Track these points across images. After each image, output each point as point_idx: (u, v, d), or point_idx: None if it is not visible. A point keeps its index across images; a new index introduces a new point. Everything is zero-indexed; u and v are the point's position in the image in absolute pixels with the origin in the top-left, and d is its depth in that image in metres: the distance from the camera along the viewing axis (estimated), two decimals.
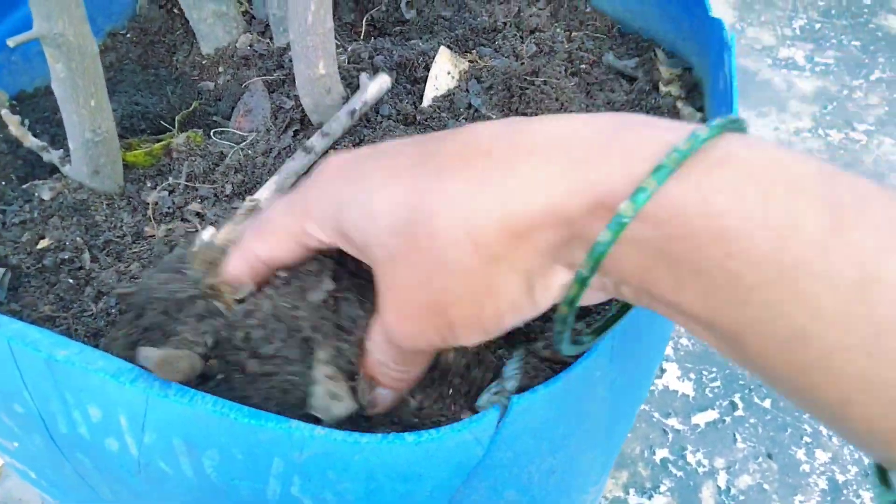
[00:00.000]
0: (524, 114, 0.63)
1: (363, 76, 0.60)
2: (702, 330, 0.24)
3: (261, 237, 0.34)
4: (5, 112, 0.56)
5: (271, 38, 0.69)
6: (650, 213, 0.22)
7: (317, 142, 0.56)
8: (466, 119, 0.61)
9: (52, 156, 0.58)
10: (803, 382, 0.21)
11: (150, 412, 0.38)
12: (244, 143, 0.56)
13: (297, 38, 0.55)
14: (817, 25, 1.88)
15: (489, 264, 0.25)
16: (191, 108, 0.64)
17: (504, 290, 0.25)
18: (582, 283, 0.24)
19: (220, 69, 0.68)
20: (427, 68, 0.65)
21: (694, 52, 0.70)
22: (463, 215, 0.24)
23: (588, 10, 0.75)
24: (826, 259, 0.20)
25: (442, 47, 0.66)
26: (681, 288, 0.23)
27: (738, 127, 0.24)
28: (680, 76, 0.68)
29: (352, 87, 0.61)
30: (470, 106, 0.63)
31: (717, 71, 0.61)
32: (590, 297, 0.29)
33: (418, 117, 0.61)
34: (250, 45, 0.68)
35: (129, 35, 0.73)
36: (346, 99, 0.59)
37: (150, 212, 0.51)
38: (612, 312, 0.33)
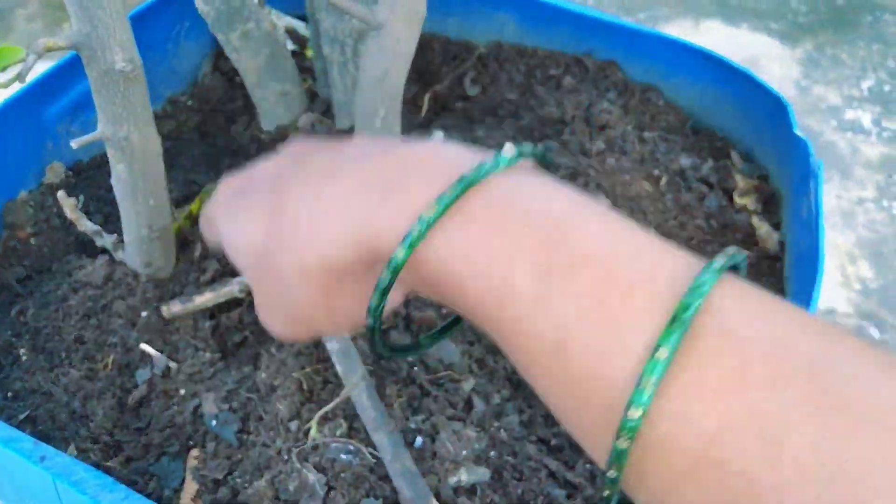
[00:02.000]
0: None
1: None
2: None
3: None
4: (61, 194, 0.55)
5: (333, 118, 0.67)
6: (411, 260, 0.27)
7: None
8: None
9: (106, 241, 0.56)
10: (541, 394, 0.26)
11: None
12: None
13: None
14: (886, 87, 1.81)
15: (327, 295, 0.30)
16: None
17: (348, 308, 0.31)
18: (382, 293, 0.28)
19: (279, 147, 0.67)
20: None
21: (772, 160, 0.66)
22: (296, 260, 0.29)
23: (661, 103, 0.72)
24: (532, 321, 0.24)
25: (507, 143, 0.63)
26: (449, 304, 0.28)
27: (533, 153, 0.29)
28: (756, 186, 0.65)
29: None
30: None
31: (800, 196, 0.57)
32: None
33: None
34: (312, 126, 0.66)
35: (189, 102, 0.72)
36: None
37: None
38: (446, 323, 0.37)
